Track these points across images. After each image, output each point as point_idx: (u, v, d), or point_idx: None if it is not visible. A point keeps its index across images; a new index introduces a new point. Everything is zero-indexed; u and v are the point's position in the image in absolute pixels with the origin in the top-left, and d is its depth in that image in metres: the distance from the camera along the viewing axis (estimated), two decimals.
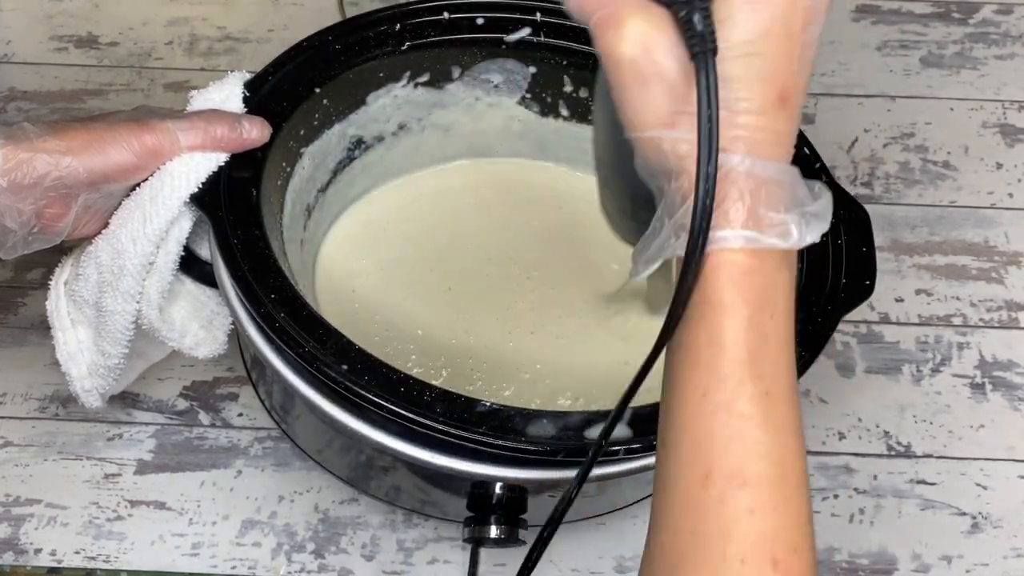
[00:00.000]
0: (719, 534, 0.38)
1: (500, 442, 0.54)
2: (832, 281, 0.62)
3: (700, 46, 0.38)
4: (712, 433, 0.39)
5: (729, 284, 0.39)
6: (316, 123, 0.67)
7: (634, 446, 0.55)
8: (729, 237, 0.39)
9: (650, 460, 0.56)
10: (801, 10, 0.40)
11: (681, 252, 0.39)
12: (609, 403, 0.70)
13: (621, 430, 0.55)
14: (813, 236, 0.40)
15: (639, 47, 0.40)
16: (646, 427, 0.55)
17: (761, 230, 0.39)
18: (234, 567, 0.71)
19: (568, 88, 0.73)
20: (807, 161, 0.67)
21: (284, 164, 0.65)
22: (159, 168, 0.58)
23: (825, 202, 0.41)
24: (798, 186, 0.41)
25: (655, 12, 0.40)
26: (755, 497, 0.38)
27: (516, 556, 0.56)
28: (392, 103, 0.71)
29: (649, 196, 0.45)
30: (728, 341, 0.39)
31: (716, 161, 0.38)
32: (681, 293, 0.39)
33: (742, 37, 0.39)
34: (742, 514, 0.38)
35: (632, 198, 0.52)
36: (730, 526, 0.38)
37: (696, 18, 0.39)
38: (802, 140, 0.67)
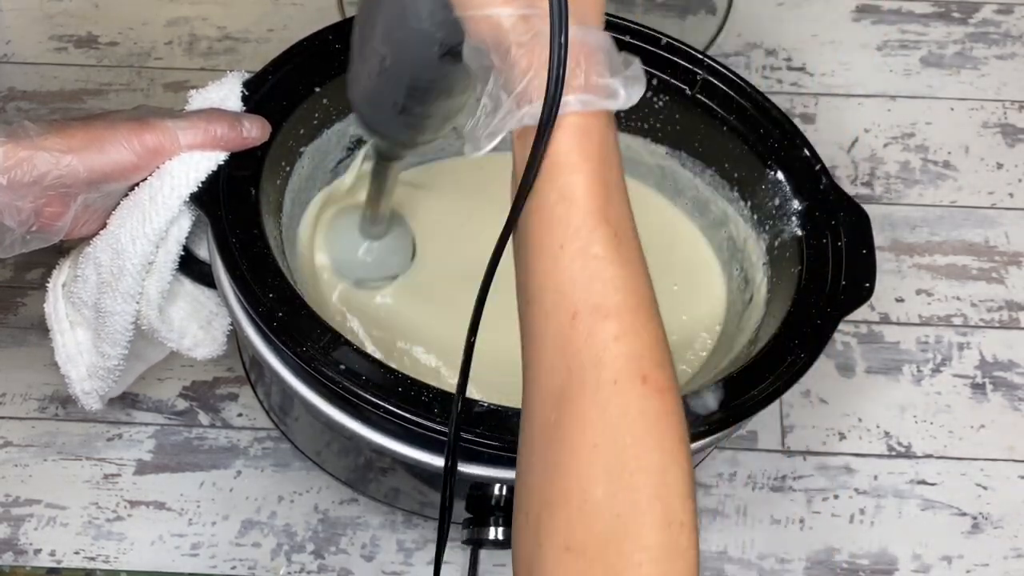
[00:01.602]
0: (592, 363, 0.42)
1: (498, 442, 0.54)
2: (832, 283, 0.62)
3: None
4: (574, 278, 0.42)
5: (572, 144, 0.42)
6: (316, 122, 0.67)
7: None
8: (570, 102, 0.42)
9: None
10: None
11: (529, 121, 0.42)
12: None
13: None
14: (636, 96, 0.44)
15: None
16: None
17: (595, 93, 0.42)
18: (234, 567, 0.71)
19: None
20: (807, 161, 0.67)
21: (283, 163, 0.65)
22: (158, 167, 0.58)
23: (637, 67, 0.44)
24: (614, 53, 0.44)
25: None
26: (618, 325, 0.42)
27: None
28: None
29: (426, 88, 0.51)
30: (578, 195, 0.42)
31: (567, 31, 0.40)
32: (536, 158, 0.42)
33: None
34: (609, 342, 0.42)
35: (409, 91, 0.54)
36: (600, 354, 0.42)
37: None
38: (802, 140, 0.67)
